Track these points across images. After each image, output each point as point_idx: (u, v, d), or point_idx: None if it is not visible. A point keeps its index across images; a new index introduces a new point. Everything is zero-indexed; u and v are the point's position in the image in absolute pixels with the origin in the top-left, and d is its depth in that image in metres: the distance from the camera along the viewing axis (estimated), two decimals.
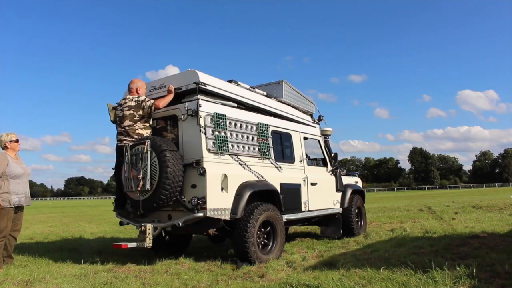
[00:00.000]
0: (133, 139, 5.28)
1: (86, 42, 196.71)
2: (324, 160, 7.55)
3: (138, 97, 5.43)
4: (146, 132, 5.38)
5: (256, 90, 6.36)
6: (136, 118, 5.33)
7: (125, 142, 5.29)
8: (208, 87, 5.35)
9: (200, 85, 5.23)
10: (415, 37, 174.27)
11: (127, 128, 5.33)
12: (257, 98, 6.22)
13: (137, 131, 5.32)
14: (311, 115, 7.67)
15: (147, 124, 5.43)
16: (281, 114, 6.66)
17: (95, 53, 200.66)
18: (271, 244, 5.57)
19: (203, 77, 5.31)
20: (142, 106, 5.33)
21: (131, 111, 5.34)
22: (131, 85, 5.58)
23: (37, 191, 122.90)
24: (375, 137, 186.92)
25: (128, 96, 5.52)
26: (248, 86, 6.21)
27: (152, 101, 5.37)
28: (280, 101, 6.76)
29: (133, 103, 5.38)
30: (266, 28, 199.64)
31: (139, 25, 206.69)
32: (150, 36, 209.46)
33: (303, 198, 6.51)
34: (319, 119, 7.81)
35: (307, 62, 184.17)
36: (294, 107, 7.12)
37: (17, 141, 5.54)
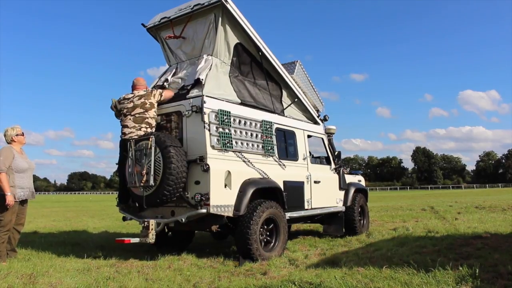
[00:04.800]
0: (141, 127, 5.32)
1: (89, 38, 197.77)
2: (327, 158, 7.54)
3: (146, 89, 5.57)
4: (154, 122, 5.43)
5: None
6: (147, 106, 5.39)
7: (130, 134, 5.32)
8: (229, 7, 5.42)
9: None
10: (416, 37, 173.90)
11: (137, 115, 5.37)
12: (272, 55, 6.18)
13: (146, 120, 5.37)
14: (317, 110, 7.60)
15: (156, 115, 5.48)
16: (289, 84, 6.60)
17: (98, 48, 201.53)
18: (273, 241, 5.58)
19: None
20: (152, 94, 5.44)
21: (142, 99, 5.41)
22: (139, 82, 5.67)
23: (40, 185, 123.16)
24: (377, 136, 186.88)
25: (134, 91, 5.59)
26: None
27: (160, 89, 5.56)
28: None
29: (142, 92, 5.48)
30: (268, 26, 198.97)
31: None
32: None
33: (306, 196, 6.51)
34: (325, 118, 7.72)
35: (308, 60, 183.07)
36: (302, 91, 7.04)
37: (22, 134, 5.57)
